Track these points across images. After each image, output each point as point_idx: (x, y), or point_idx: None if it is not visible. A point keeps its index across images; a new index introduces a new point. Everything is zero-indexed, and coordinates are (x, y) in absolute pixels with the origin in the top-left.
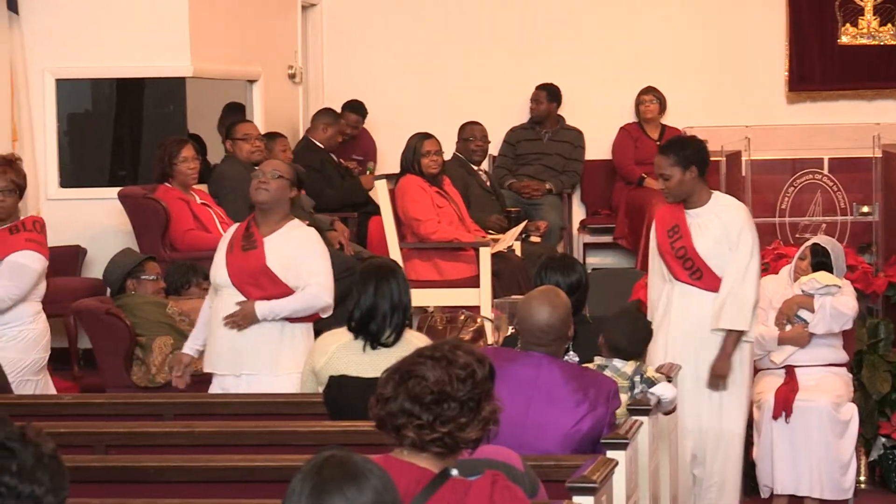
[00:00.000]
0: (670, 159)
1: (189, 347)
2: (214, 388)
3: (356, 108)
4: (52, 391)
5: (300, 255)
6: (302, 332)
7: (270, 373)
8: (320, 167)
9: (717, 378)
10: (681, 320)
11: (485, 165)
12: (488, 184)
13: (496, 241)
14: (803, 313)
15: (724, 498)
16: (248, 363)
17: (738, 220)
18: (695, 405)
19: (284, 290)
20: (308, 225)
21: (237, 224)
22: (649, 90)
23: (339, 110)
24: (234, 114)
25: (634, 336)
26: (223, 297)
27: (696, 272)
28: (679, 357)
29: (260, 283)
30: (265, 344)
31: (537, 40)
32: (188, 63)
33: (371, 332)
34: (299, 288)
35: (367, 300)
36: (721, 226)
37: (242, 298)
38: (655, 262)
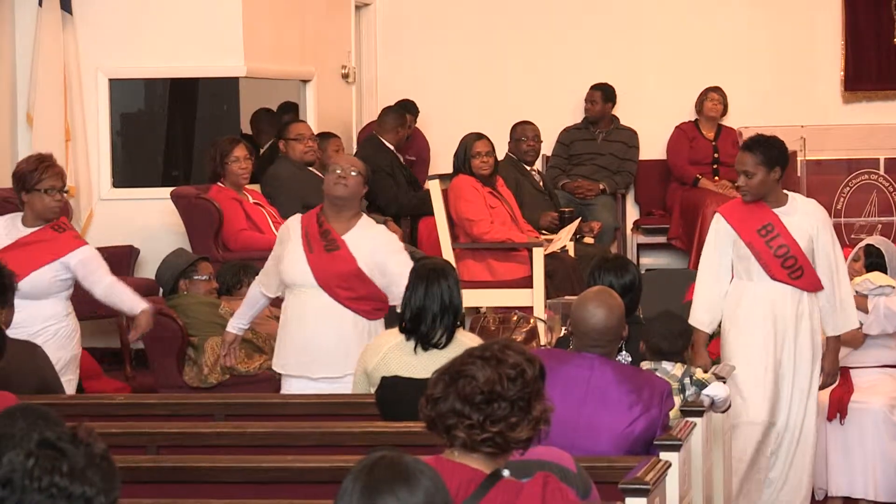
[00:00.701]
0: (757, 157)
1: (233, 326)
2: (289, 390)
3: (408, 108)
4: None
5: (383, 253)
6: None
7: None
8: (391, 170)
9: (830, 377)
10: (763, 320)
11: (538, 165)
12: (541, 184)
13: (549, 241)
14: (858, 314)
15: (799, 498)
16: (325, 365)
17: (825, 220)
18: (773, 403)
19: (373, 291)
20: None
21: (296, 218)
22: (716, 89)
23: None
24: (287, 114)
25: (672, 336)
26: (301, 296)
27: (798, 271)
28: (758, 356)
29: (351, 285)
30: (342, 345)
31: (592, 39)
32: (241, 63)
33: (422, 334)
34: (386, 287)
35: (416, 301)
36: (811, 225)
37: (328, 298)
38: (715, 260)
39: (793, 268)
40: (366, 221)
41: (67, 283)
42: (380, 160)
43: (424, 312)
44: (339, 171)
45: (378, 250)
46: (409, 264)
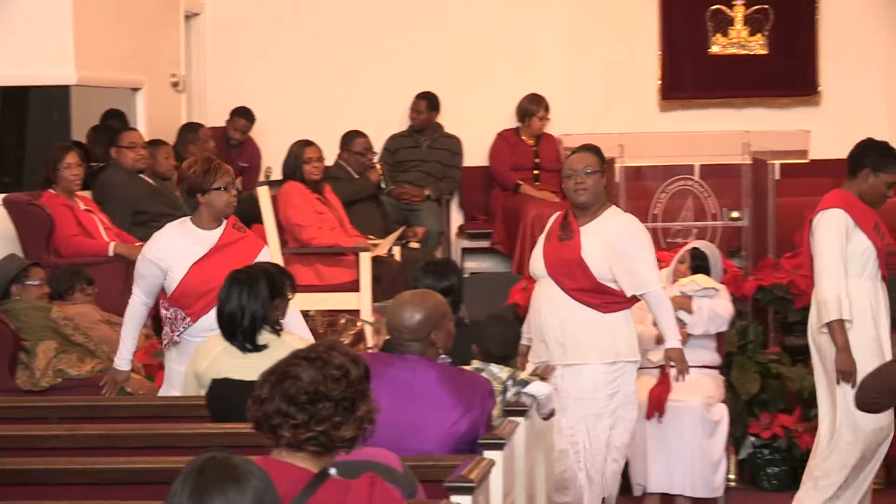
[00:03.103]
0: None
1: (122, 361)
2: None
3: (245, 114)
4: None
5: (620, 245)
6: (622, 319)
7: (598, 360)
8: None
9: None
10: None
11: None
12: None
13: (376, 245)
14: (681, 314)
15: None
16: (576, 352)
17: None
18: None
19: (596, 284)
20: None
21: (556, 213)
22: (543, 104)
23: (227, 117)
24: (111, 119)
25: (506, 343)
26: (542, 286)
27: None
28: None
29: (573, 274)
30: (592, 333)
31: (417, 49)
32: (72, 71)
33: (240, 337)
34: (627, 282)
35: (228, 306)
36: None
37: (557, 290)
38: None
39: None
40: (612, 212)
41: None
42: None
43: (238, 317)
44: (574, 177)
45: (616, 242)
46: (650, 261)
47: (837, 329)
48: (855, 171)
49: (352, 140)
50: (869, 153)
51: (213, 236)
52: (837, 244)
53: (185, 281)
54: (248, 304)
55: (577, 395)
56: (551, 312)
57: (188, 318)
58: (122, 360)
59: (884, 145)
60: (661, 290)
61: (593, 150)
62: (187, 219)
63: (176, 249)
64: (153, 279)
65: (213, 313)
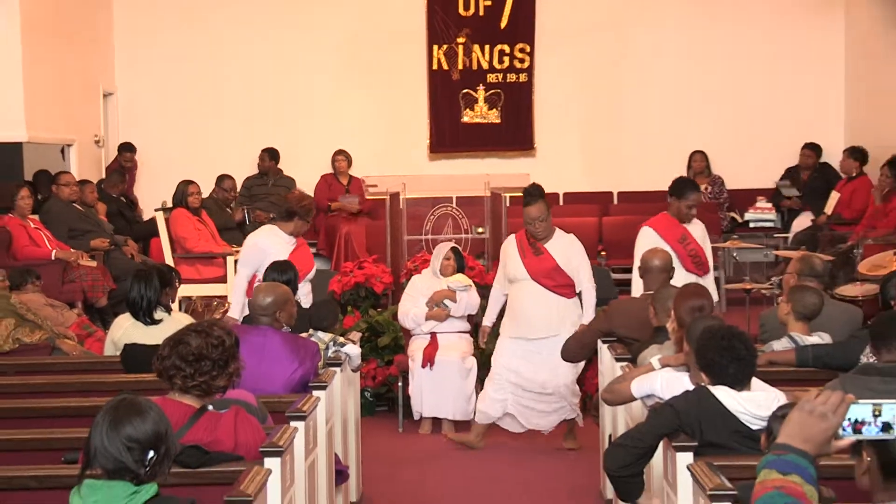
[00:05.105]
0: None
1: (235, 311)
2: (526, 348)
3: (129, 148)
4: None
5: (573, 254)
6: (575, 303)
7: (567, 332)
8: (118, 211)
9: None
10: None
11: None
12: (233, 215)
13: (237, 252)
14: (447, 302)
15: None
16: (554, 327)
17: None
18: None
19: (567, 280)
20: (109, 242)
21: (512, 235)
22: (341, 151)
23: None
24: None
25: (327, 314)
26: (523, 286)
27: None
28: None
29: (553, 276)
30: (561, 313)
31: (265, 116)
32: (24, 132)
33: (141, 314)
34: (576, 279)
35: (131, 294)
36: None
37: (539, 287)
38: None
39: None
40: (558, 233)
41: None
42: (110, 206)
43: (138, 301)
44: (533, 224)
45: (570, 253)
46: (588, 265)
47: None
48: (669, 199)
49: (222, 180)
50: (673, 185)
51: (293, 241)
52: (642, 250)
53: None
54: (145, 292)
55: (554, 353)
56: (534, 303)
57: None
58: (235, 311)
59: (682, 180)
60: (592, 286)
61: (539, 196)
62: (276, 227)
63: (275, 245)
64: (258, 262)
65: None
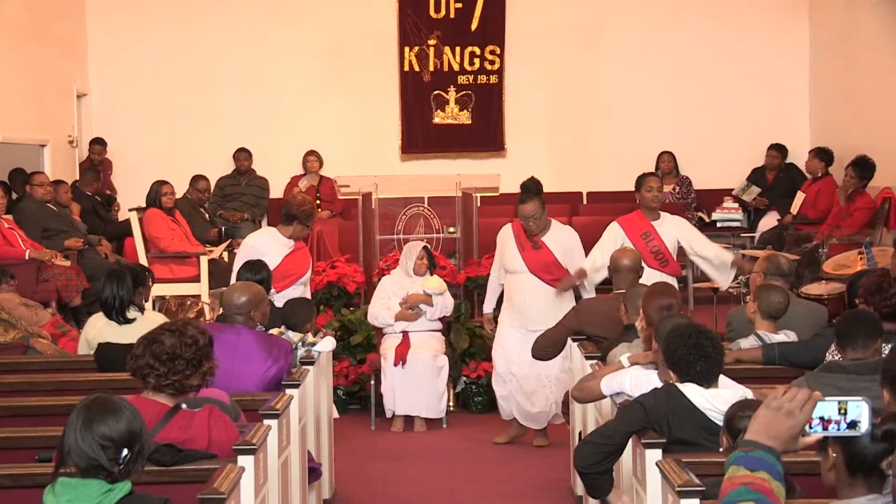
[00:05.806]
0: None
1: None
2: (525, 338)
3: (100, 142)
4: None
5: (572, 247)
6: (567, 297)
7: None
8: (92, 209)
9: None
10: None
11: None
12: (206, 215)
13: (211, 252)
14: (423, 306)
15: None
16: (551, 319)
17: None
18: None
19: (564, 273)
20: (83, 242)
21: (508, 225)
22: (312, 152)
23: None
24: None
25: (300, 314)
26: (521, 279)
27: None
28: None
29: (551, 270)
30: (554, 304)
31: (238, 115)
32: None
33: (114, 314)
34: (573, 268)
35: (104, 294)
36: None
37: (537, 280)
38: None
39: (661, 260)
40: (555, 226)
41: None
42: (85, 204)
43: (111, 300)
44: (528, 223)
45: (569, 246)
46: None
47: None
48: (636, 196)
49: (197, 181)
50: (635, 182)
51: (290, 244)
52: (606, 243)
53: (277, 268)
54: (118, 291)
55: None
56: (532, 296)
57: (273, 290)
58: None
59: (640, 175)
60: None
61: (535, 193)
62: (275, 229)
63: (271, 246)
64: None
65: (290, 290)
